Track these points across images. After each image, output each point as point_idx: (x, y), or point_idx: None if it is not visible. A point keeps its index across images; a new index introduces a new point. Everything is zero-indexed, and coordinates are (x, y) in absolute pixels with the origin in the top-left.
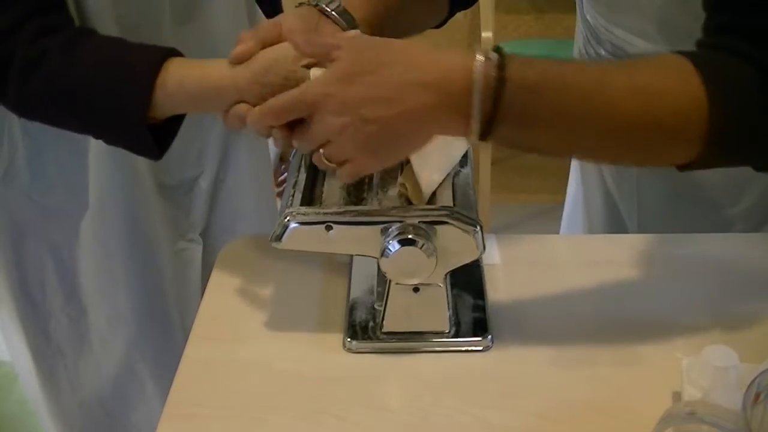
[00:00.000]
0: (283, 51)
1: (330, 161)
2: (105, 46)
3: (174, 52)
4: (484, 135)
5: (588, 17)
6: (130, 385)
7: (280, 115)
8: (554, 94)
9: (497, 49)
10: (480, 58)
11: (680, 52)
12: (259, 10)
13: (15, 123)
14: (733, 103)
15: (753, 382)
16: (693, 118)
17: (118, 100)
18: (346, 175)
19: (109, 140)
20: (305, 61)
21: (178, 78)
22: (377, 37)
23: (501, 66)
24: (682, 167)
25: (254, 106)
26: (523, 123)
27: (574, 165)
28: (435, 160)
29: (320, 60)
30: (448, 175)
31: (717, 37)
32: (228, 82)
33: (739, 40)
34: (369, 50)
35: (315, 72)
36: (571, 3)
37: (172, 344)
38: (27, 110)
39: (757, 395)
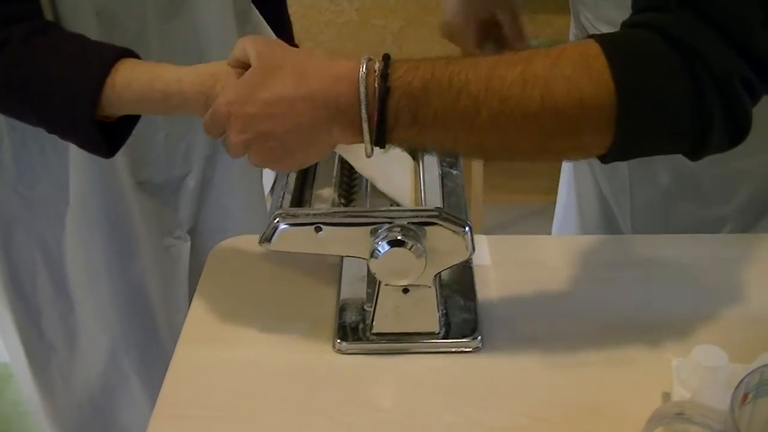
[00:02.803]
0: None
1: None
2: (64, 41)
3: (129, 53)
4: (379, 142)
5: (579, 14)
6: (116, 383)
7: (210, 131)
8: (441, 97)
9: (386, 56)
10: (363, 69)
11: (591, 36)
12: (251, 10)
13: (0, 116)
14: (643, 82)
15: (741, 382)
16: (597, 101)
17: (68, 97)
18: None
19: (62, 135)
20: None
21: (127, 79)
22: (275, 46)
23: (384, 76)
24: (601, 159)
25: (199, 113)
26: (415, 127)
27: (566, 166)
28: (392, 174)
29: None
30: (438, 175)
31: (637, 14)
32: (174, 87)
33: (652, 12)
34: (268, 71)
35: None
36: (562, 4)
37: (157, 341)
38: None
39: (746, 395)
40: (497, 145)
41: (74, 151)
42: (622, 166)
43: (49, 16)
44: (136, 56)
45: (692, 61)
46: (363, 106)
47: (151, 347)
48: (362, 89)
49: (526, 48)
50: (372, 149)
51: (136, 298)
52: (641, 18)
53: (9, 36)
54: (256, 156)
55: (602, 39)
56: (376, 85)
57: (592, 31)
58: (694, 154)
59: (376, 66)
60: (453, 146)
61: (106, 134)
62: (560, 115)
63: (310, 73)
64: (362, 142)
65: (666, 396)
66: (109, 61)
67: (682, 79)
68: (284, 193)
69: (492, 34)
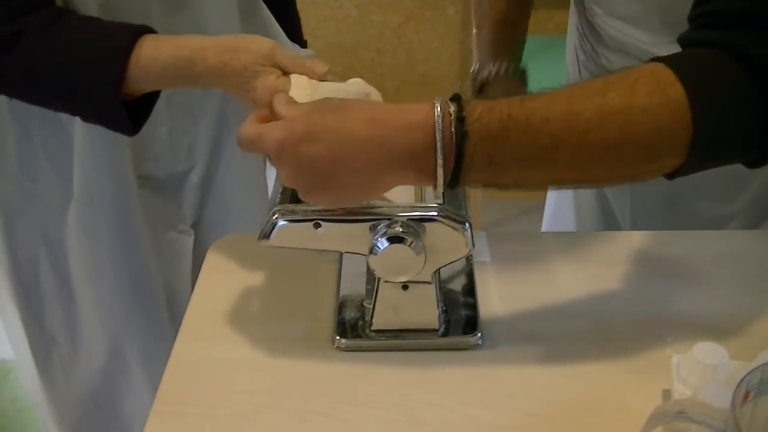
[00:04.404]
0: (256, 44)
1: None
2: (83, 23)
3: (149, 30)
4: (452, 184)
5: (584, 9)
6: (119, 376)
7: (243, 145)
8: (519, 137)
9: (456, 98)
10: (439, 113)
11: (658, 59)
12: (258, 5)
13: (4, 108)
14: (718, 106)
15: (742, 380)
16: (675, 129)
17: (93, 76)
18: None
19: (85, 117)
20: (270, 62)
21: (152, 51)
22: (344, 99)
23: (461, 119)
24: (668, 175)
25: (218, 83)
26: (491, 168)
27: None
28: None
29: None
30: None
31: (700, 30)
32: (198, 54)
33: (721, 31)
34: (332, 111)
35: (295, 79)
36: None
37: (161, 334)
38: (6, 87)
39: (746, 393)
40: (574, 178)
41: (78, 143)
42: None
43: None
44: (154, 32)
45: (763, 78)
46: (439, 152)
47: (154, 340)
48: (438, 135)
49: None
50: (443, 191)
51: (140, 291)
52: (704, 36)
53: (26, 25)
54: (309, 194)
55: (673, 64)
56: (453, 129)
57: (603, 27)
58: (758, 164)
59: (451, 110)
60: (528, 183)
61: (128, 113)
62: (638, 146)
63: (381, 118)
64: (433, 185)
65: (666, 393)
66: (132, 37)
67: (755, 98)
68: (283, 189)
69: None
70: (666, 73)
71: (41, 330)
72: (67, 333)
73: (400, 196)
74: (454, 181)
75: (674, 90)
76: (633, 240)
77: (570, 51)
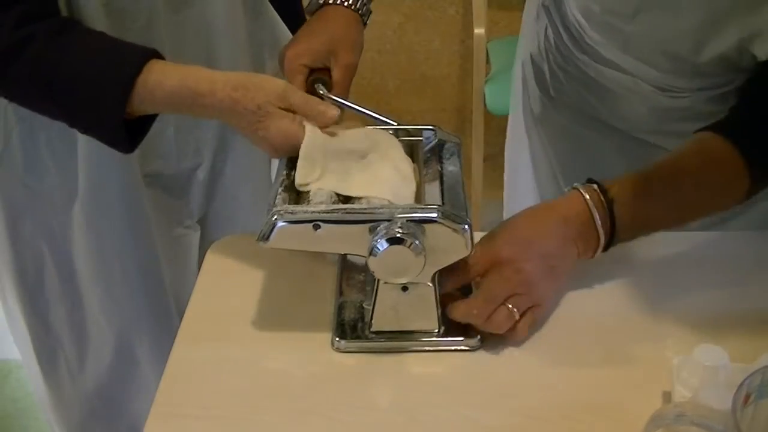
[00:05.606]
0: (270, 84)
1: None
2: (91, 38)
3: (158, 55)
4: (608, 247)
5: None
6: (127, 373)
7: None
8: (647, 204)
9: (592, 180)
10: (588, 197)
11: (718, 132)
12: (264, 5)
13: (9, 107)
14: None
15: (743, 383)
16: (741, 198)
17: (99, 93)
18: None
19: (84, 130)
20: (284, 104)
21: (159, 77)
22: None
23: (605, 191)
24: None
25: (224, 117)
26: (632, 227)
27: (524, 158)
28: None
29: None
30: (438, 172)
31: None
32: (206, 86)
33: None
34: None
35: (310, 129)
36: None
37: (169, 330)
38: (8, 93)
39: (747, 396)
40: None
41: (83, 142)
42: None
43: (61, 8)
44: (162, 58)
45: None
46: (599, 225)
47: (162, 335)
48: (596, 213)
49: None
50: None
51: (147, 287)
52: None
53: (33, 33)
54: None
55: (736, 141)
56: (604, 203)
57: (590, 43)
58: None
59: (595, 187)
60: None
61: (128, 130)
62: (717, 206)
63: (564, 220)
64: (599, 250)
65: (666, 395)
66: (141, 60)
67: None
68: (281, 190)
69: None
70: (739, 162)
71: (46, 331)
72: (73, 333)
73: (400, 196)
74: (611, 243)
75: (743, 170)
76: (632, 241)
77: (531, 52)
